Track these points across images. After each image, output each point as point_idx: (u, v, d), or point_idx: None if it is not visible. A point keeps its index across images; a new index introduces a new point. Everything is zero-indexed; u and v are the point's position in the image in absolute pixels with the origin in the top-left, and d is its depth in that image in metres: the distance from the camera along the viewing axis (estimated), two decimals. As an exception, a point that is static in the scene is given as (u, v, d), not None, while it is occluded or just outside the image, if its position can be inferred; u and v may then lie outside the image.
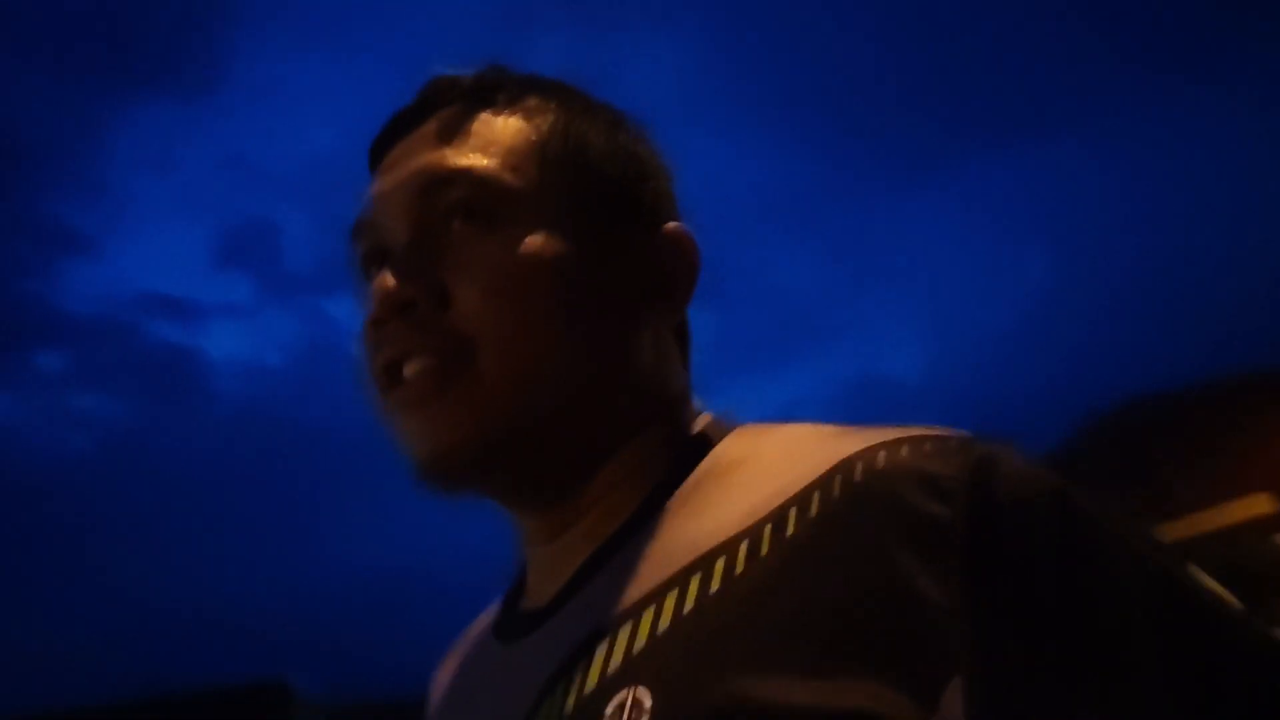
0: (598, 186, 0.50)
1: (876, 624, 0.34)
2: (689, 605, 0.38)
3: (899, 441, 0.39)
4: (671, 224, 0.52)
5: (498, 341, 0.45)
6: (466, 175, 0.47)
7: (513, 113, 0.50)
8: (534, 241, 0.46)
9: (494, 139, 0.49)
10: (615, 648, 0.38)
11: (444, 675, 0.57)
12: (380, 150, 0.52)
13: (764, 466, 0.43)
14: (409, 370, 0.46)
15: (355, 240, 0.51)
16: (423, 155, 0.49)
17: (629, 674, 0.37)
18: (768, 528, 0.38)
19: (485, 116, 0.50)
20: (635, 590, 0.40)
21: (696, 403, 0.52)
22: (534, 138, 0.50)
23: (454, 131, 0.49)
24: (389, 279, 0.46)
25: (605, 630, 0.40)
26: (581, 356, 0.47)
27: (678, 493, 0.45)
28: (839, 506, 0.38)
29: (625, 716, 0.35)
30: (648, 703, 0.35)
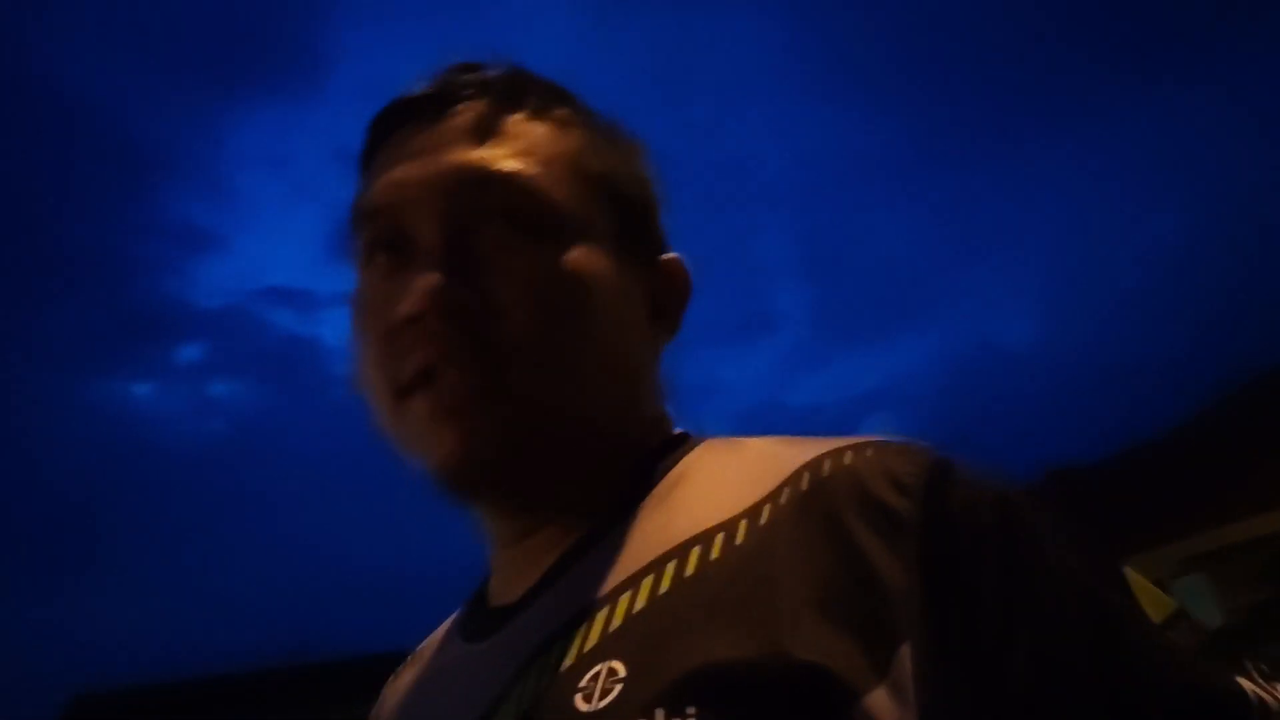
0: (624, 208, 0.50)
1: (837, 592, 0.36)
2: (665, 586, 0.39)
3: (865, 444, 0.41)
4: (671, 254, 0.54)
5: (545, 361, 0.44)
6: (510, 180, 0.45)
7: (545, 121, 0.49)
8: (580, 259, 0.46)
9: (532, 146, 0.47)
10: (593, 629, 0.39)
11: (400, 684, 0.57)
12: (388, 128, 0.50)
13: (737, 471, 0.44)
14: (445, 374, 0.43)
15: (363, 222, 0.48)
16: (457, 150, 0.46)
17: (605, 650, 0.38)
18: (743, 521, 0.40)
19: (518, 119, 0.48)
20: (612, 579, 0.42)
21: (670, 419, 0.53)
22: (570, 152, 0.48)
23: (490, 130, 0.47)
24: (436, 277, 0.43)
25: (583, 616, 0.41)
26: (614, 379, 0.48)
27: (652, 494, 0.46)
28: (806, 497, 0.40)
29: (600, 685, 0.36)
30: (622, 671, 0.36)
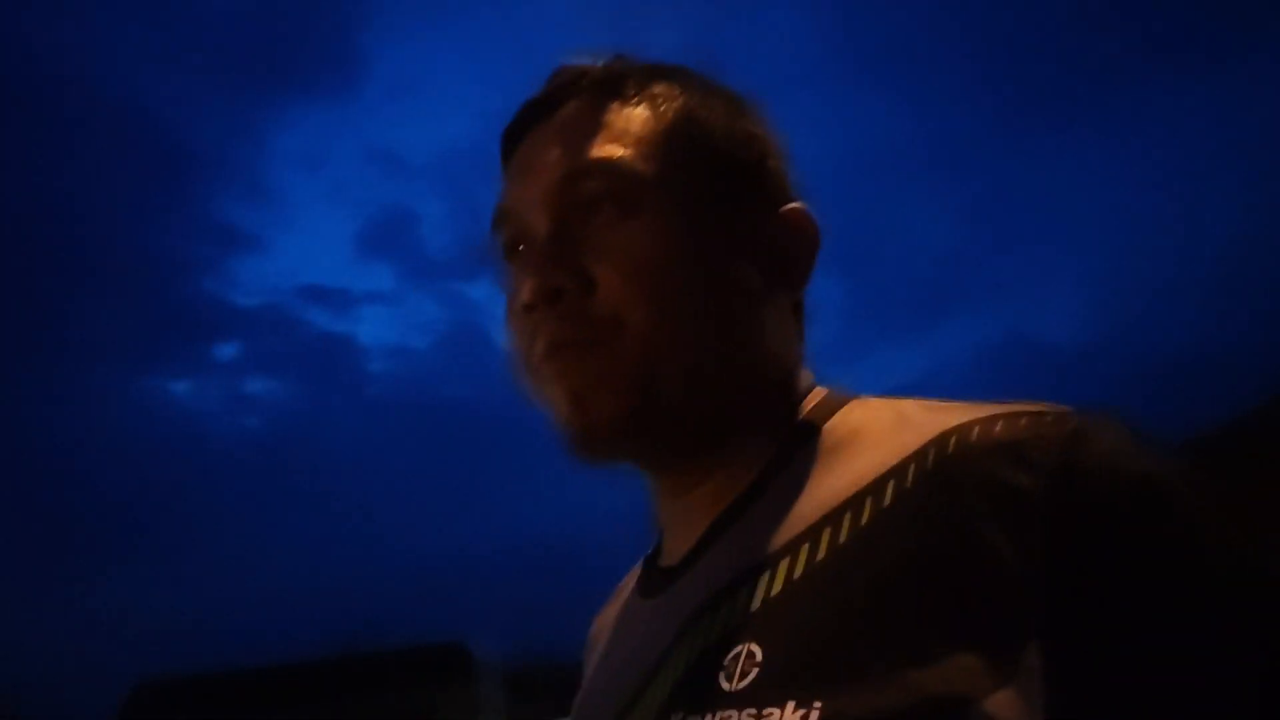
0: (723, 169, 0.52)
1: (960, 589, 0.36)
2: (799, 571, 0.41)
3: (995, 417, 0.41)
4: (792, 204, 0.54)
5: (639, 322, 0.47)
6: (602, 166, 0.49)
7: (640, 101, 0.52)
8: (668, 226, 0.49)
9: (625, 129, 0.51)
10: (736, 606, 0.43)
11: (599, 626, 0.63)
12: (513, 139, 0.55)
13: (869, 441, 0.46)
14: (562, 349, 0.49)
15: (497, 229, 0.54)
16: (558, 147, 0.51)
17: (746, 630, 0.41)
18: (868, 499, 0.41)
19: (615, 106, 0.52)
20: (753, 555, 0.44)
21: (811, 377, 0.55)
22: (662, 125, 0.52)
23: (587, 123, 0.51)
24: (537, 268, 0.48)
25: (727, 591, 0.44)
26: (713, 334, 0.50)
27: (792, 464, 0.48)
28: (931, 478, 0.40)
29: (739, 667, 0.40)
30: (759, 655, 0.39)
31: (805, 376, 0.54)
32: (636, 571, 0.60)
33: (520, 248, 0.52)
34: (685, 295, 0.48)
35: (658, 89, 0.53)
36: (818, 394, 0.53)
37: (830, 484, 0.44)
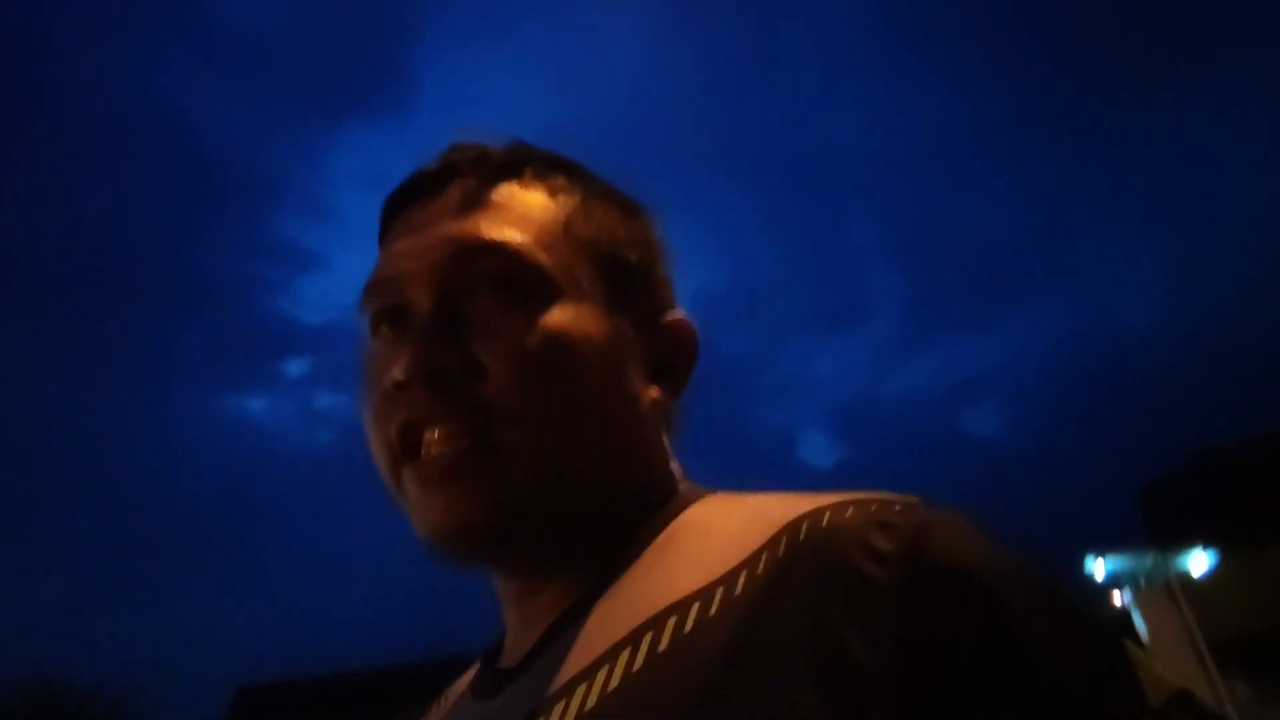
0: (617, 270, 0.51)
1: (809, 673, 0.35)
2: (639, 664, 0.40)
3: (846, 503, 0.41)
4: (676, 312, 0.54)
5: (527, 418, 0.45)
6: (499, 248, 0.47)
7: (540, 189, 0.51)
8: (564, 318, 0.47)
9: (524, 214, 0.49)
10: (570, 708, 0.40)
11: None
12: (396, 208, 0.53)
13: (720, 534, 0.45)
14: (431, 439, 0.45)
15: (369, 297, 0.50)
16: (451, 222, 0.48)
17: None
18: (719, 590, 0.40)
19: (513, 190, 0.50)
20: (591, 651, 0.42)
21: (676, 477, 0.53)
22: (561, 217, 0.50)
23: (483, 202, 0.49)
24: (417, 344, 0.45)
25: (563, 692, 0.42)
26: (602, 436, 0.48)
27: (642, 556, 0.47)
28: (783, 564, 0.39)
29: None
30: None
31: (670, 477, 0.53)
32: (466, 678, 0.57)
33: (392, 322, 0.49)
34: (576, 396, 0.47)
35: (557, 180, 0.52)
36: (674, 492, 0.52)
37: (679, 576, 0.43)
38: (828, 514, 0.40)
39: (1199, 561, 7.10)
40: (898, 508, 0.40)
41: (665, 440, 0.53)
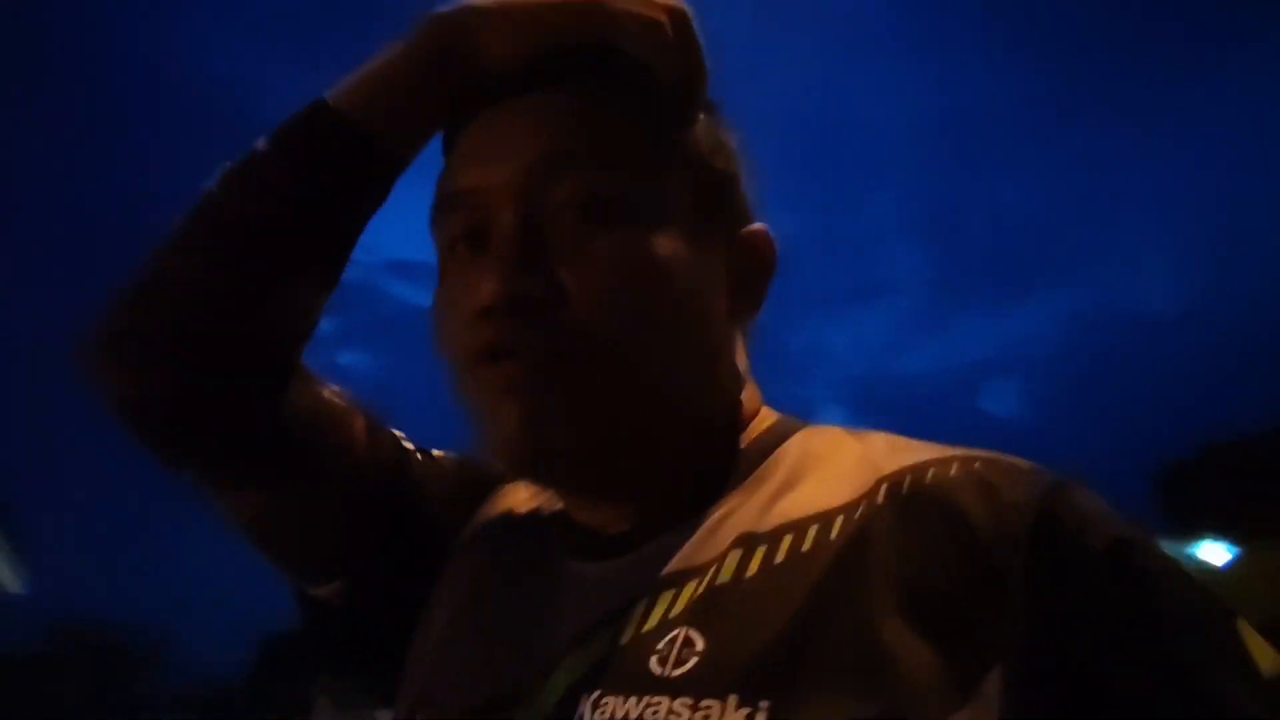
0: (702, 182, 0.49)
1: (929, 605, 0.36)
2: (752, 569, 0.40)
3: (974, 457, 0.41)
4: (758, 224, 0.52)
5: (611, 345, 0.44)
6: (583, 161, 0.45)
7: (630, 97, 0.48)
8: (647, 239, 0.45)
9: (609, 125, 0.47)
10: (681, 595, 0.41)
11: (490, 529, 0.56)
12: (473, 112, 0.49)
13: (834, 465, 0.45)
14: (515, 358, 0.44)
15: (448, 208, 0.48)
16: (534, 131, 0.46)
17: (686, 617, 0.39)
18: (839, 517, 0.41)
19: (602, 98, 0.47)
20: (704, 552, 0.42)
21: (759, 397, 0.53)
22: (651, 125, 0.48)
23: (566, 109, 0.47)
24: (503, 270, 0.44)
25: (671, 581, 0.42)
26: (681, 358, 0.47)
27: (750, 478, 0.46)
28: (907, 502, 0.40)
29: (675, 653, 0.38)
30: (699, 644, 0.38)
31: (754, 399, 0.52)
32: (524, 498, 0.56)
33: (471, 239, 0.47)
34: (660, 320, 0.45)
35: (646, 87, 0.49)
36: (767, 417, 0.51)
37: (790, 501, 0.43)
38: (955, 464, 0.41)
39: (1217, 552, 7.18)
40: (1026, 467, 0.40)
41: (744, 359, 0.52)
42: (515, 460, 0.45)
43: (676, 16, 0.47)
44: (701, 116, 0.51)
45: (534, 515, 0.54)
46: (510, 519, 0.56)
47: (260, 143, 0.49)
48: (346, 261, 0.53)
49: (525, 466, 0.46)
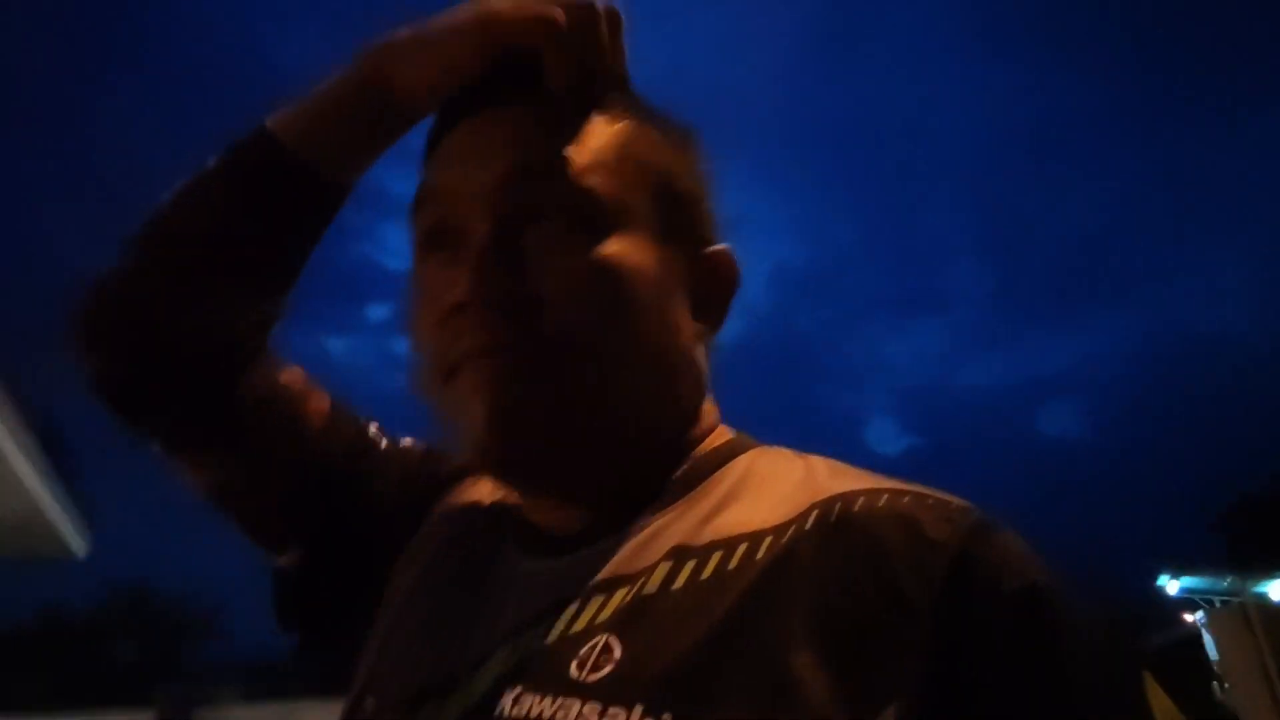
0: (669, 200, 0.50)
1: (837, 635, 0.36)
2: (679, 582, 0.41)
3: (904, 491, 0.42)
4: (720, 246, 0.53)
5: (576, 347, 0.45)
6: (556, 171, 0.46)
7: (601, 114, 0.50)
8: (621, 251, 0.46)
9: (584, 138, 0.48)
10: (610, 601, 0.42)
11: (442, 516, 0.58)
12: (452, 118, 0.50)
13: (772, 485, 0.45)
14: (488, 358, 0.45)
15: (423, 207, 0.49)
16: (510, 141, 0.47)
17: (610, 624, 0.40)
18: (768, 538, 0.41)
19: (574, 113, 0.49)
20: (638, 560, 0.43)
21: (716, 414, 0.54)
22: (620, 142, 0.49)
23: (542, 121, 0.48)
24: (480, 268, 0.45)
25: (603, 586, 0.43)
26: (646, 367, 0.48)
27: (694, 491, 0.47)
28: (832, 530, 0.40)
29: (594, 658, 0.39)
30: (617, 652, 0.39)
31: (711, 415, 0.53)
32: (486, 491, 0.57)
33: (444, 241, 0.48)
34: (632, 331, 0.47)
35: (616, 106, 0.50)
36: (722, 434, 0.52)
37: (728, 517, 0.44)
38: (885, 495, 0.41)
39: (1280, 589, 6.89)
40: (954, 506, 0.40)
41: (704, 375, 0.53)
42: (479, 457, 0.46)
43: (574, 9, 0.48)
44: (668, 135, 0.52)
45: (492, 509, 0.56)
46: (469, 512, 0.57)
47: (209, 161, 0.54)
48: (299, 270, 0.57)
49: (488, 464, 0.47)
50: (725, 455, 0.49)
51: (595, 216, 0.47)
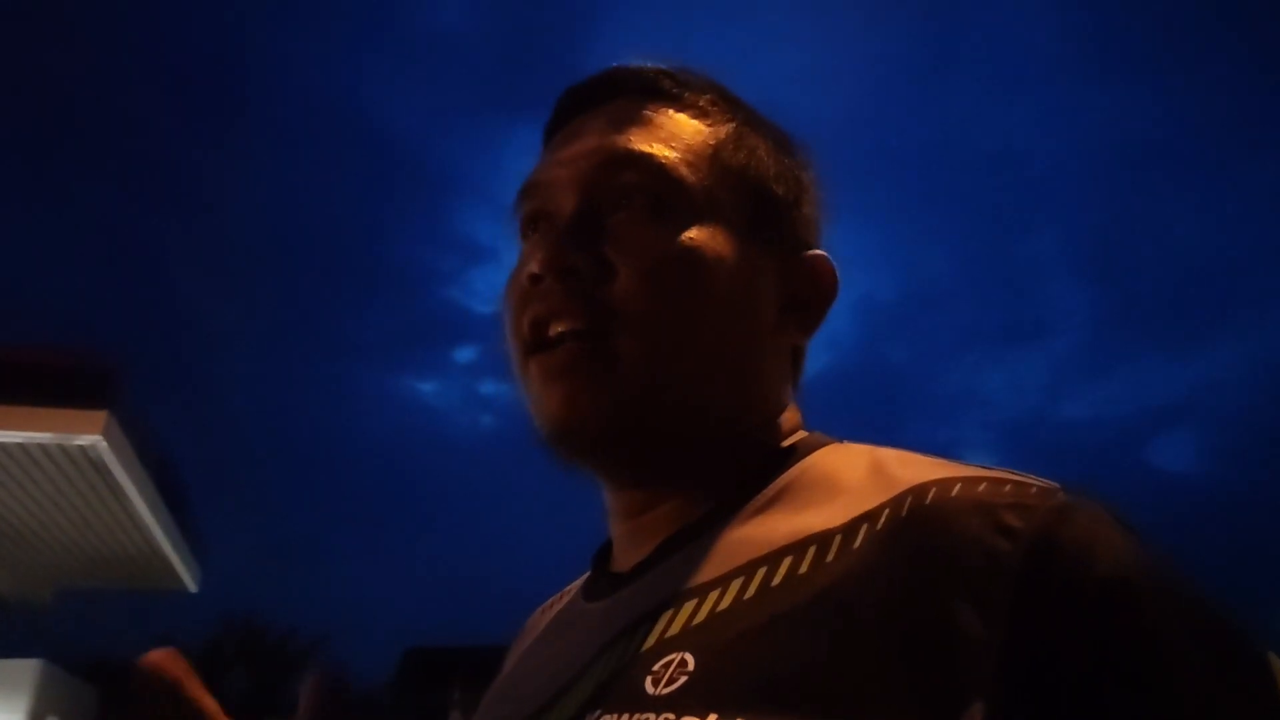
0: (760, 200, 0.51)
1: (912, 635, 0.35)
2: (750, 592, 0.40)
3: (979, 478, 0.40)
4: (817, 251, 0.54)
5: (645, 324, 0.46)
6: (645, 160, 0.49)
7: (694, 113, 0.52)
8: (699, 237, 0.48)
9: (674, 133, 0.50)
10: (678, 617, 0.41)
11: (534, 622, 0.61)
12: (559, 121, 0.55)
13: (842, 484, 0.44)
14: (554, 330, 0.47)
15: (522, 199, 0.53)
16: (603, 134, 0.50)
17: (683, 640, 0.40)
18: (837, 538, 0.40)
19: (668, 110, 0.52)
20: (706, 572, 0.43)
21: (799, 419, 0.53)
22: (712, 141, 0.51)
23: (636, 118, 0.51)
24: (554, 242, 0.47)
25: (672, 602, 0.42)
26: (717, 355, 0.48)
27: (762, 494, 0.47)
28: (905, 527, 0.39)
29: (669, 673, 0.38)
30: (691, 664, 0.38)
31: (792, 419, 0.53)
32: (585, 575, 0.58)
33: (540, 223, 0.51)
34: (700, 313, 0.47)
35: (712, 107, 0.53)
36: (799, 436, 0.52)
37: (798, 519, 0.43)
38: (958, 485, 0.39)
39: None
40: (1034, 489, 0.39)
41: (790, 379, 0.53)
42: (555, 435, 0.47)
43: None
44: (770, 142, 0.54)
45: (566, 595, 0.59)
46: (549, 610, 0.60)
47: None
48: None
49: (564, 441, 0.48)
50: (797, 454, 0.49)
51: (679, 205, 0.48)
